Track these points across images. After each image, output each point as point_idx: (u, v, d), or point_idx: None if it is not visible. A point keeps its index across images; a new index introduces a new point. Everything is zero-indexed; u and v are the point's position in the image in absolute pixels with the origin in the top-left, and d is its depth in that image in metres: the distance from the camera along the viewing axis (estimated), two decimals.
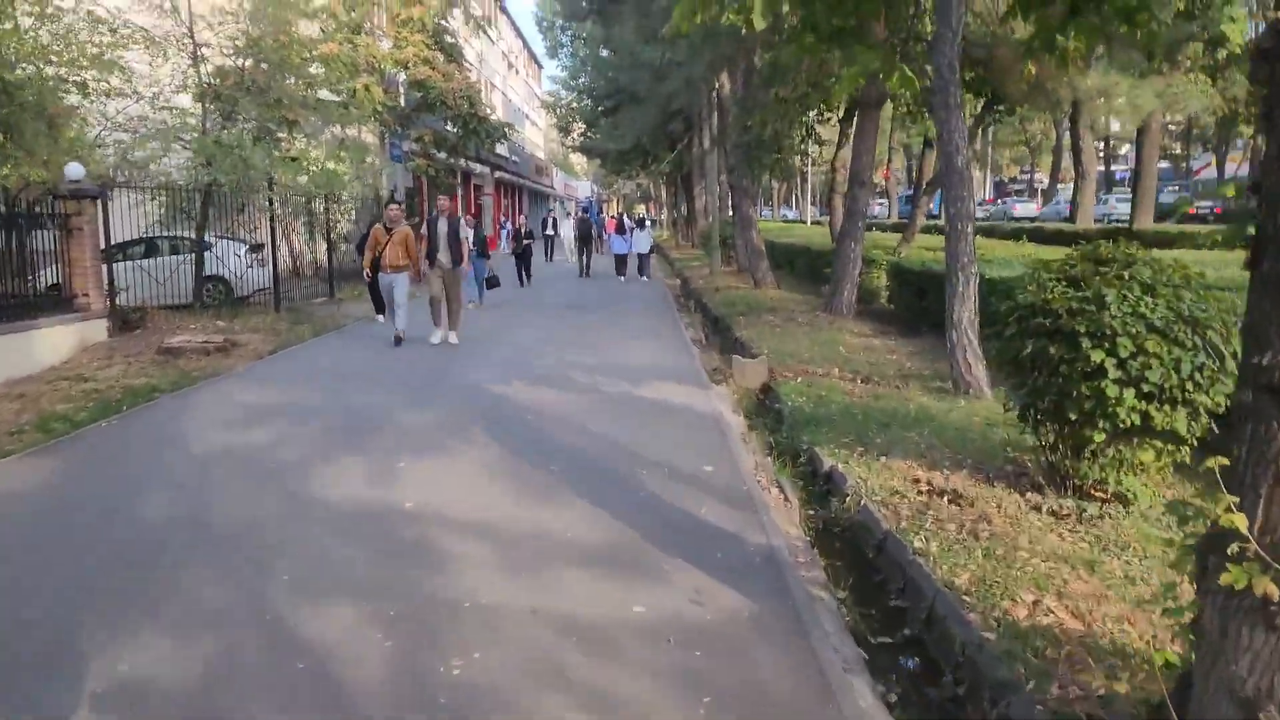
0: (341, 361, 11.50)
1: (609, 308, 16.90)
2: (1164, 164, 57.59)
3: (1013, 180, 75.31)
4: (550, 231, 31.02)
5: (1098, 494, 5.71)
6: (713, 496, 5.65)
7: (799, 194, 59.50)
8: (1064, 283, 5.64)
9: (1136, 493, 5.59)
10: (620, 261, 24.44)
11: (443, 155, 24.50)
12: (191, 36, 16.77)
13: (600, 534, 4.98)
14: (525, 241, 20.89)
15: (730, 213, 27.78)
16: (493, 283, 16.79)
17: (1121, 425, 5.31)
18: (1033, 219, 43.19)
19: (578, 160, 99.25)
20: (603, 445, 6.84)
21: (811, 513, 6.08)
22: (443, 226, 12.47)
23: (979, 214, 42.27)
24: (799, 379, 9.73)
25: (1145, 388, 5.20)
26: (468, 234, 15.33)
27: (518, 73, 67.30)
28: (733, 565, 4.57)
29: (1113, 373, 5.21)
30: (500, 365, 10.51)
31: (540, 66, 76.02)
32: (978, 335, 8.72)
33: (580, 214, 35.29)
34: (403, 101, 22.73)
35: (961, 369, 8.65)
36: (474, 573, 4.42)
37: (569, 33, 43.89)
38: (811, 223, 49.33)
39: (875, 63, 4.40)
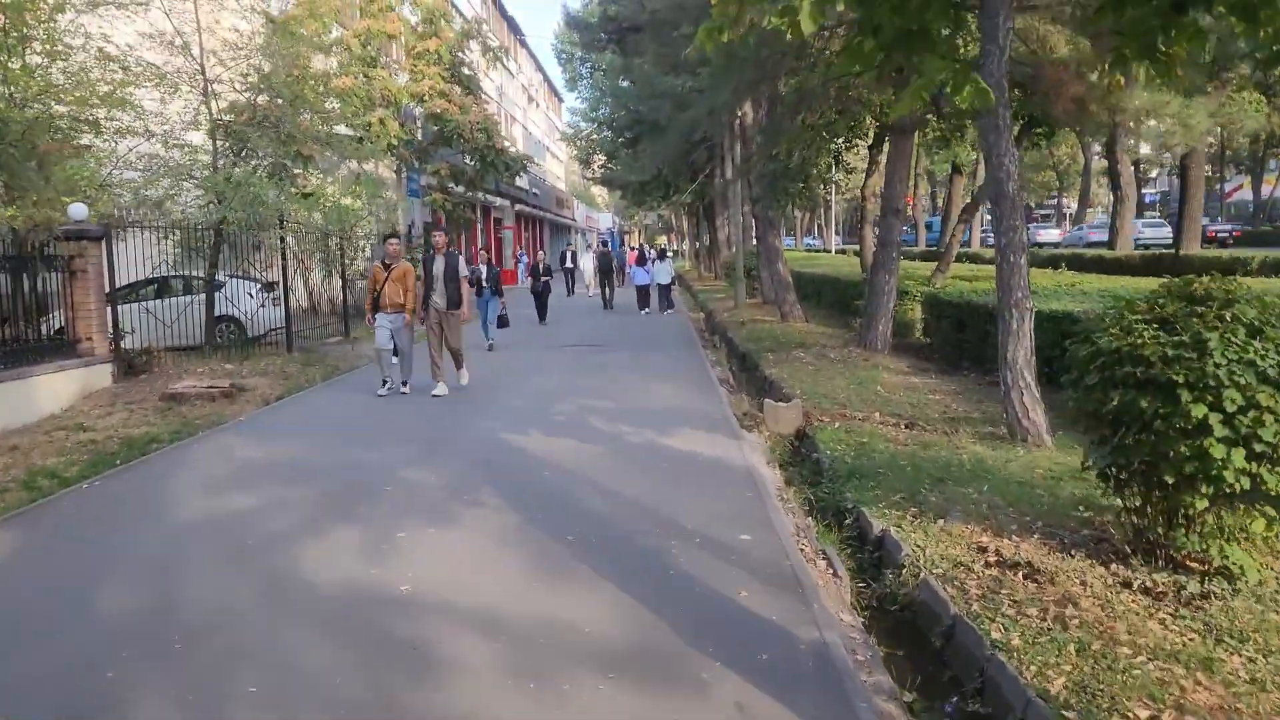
0: (348, 410, 10.91)
1: (631, 345, 16.26)
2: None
3: (1038, 206, 74.36)
4: (569, 264, 30.52)
5: (1195, 566, 4.96)
6: (753, 575, 4.94)
7: (822, 222, 58.92)
8: (1154, 325, 4.91)
9: (1244, 566, 4.83)
10: (642, 294, 24.24)
11: (460, 189, 24.08)
12: (203, 73, 16.42)
13: (625, 628, 4.27)
14: (544, 279, 20.23)
15: (754, 243, 27.17)
16: (503, 322, 15.81)
17: (1227, 489, 4.59)
18: (1056, 244, 42.38)
19: (599, 192, 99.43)
20: (626, 509, 6.15)
21: (864, 586, 5.35)
22: (439, 266, 11.61)
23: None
24: (837, 424, 9.01)
25: (1257, 447, 4.48)
26: (472, 270, 14.68)
27: (538, 105, 67.42)
28: (780, 670, 3.85)
29: (1218, 430, 4.49)
30: (514, 413, 9.86)
31: (560, 100, 76.31)
32: (1034, 376, 7.98)
33: (601, 247, 35.02)
34: (420, 135, 22.39)
35: (1017, 414, 7.90)
36: (476, 684, 3.73)
37: (588, 64, 43.73)
38: (836, 251, 48.67)
39: (943, 74, 3.74)
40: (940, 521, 5.91)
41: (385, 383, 11.52)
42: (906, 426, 8.84)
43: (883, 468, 7.23)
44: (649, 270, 24.48)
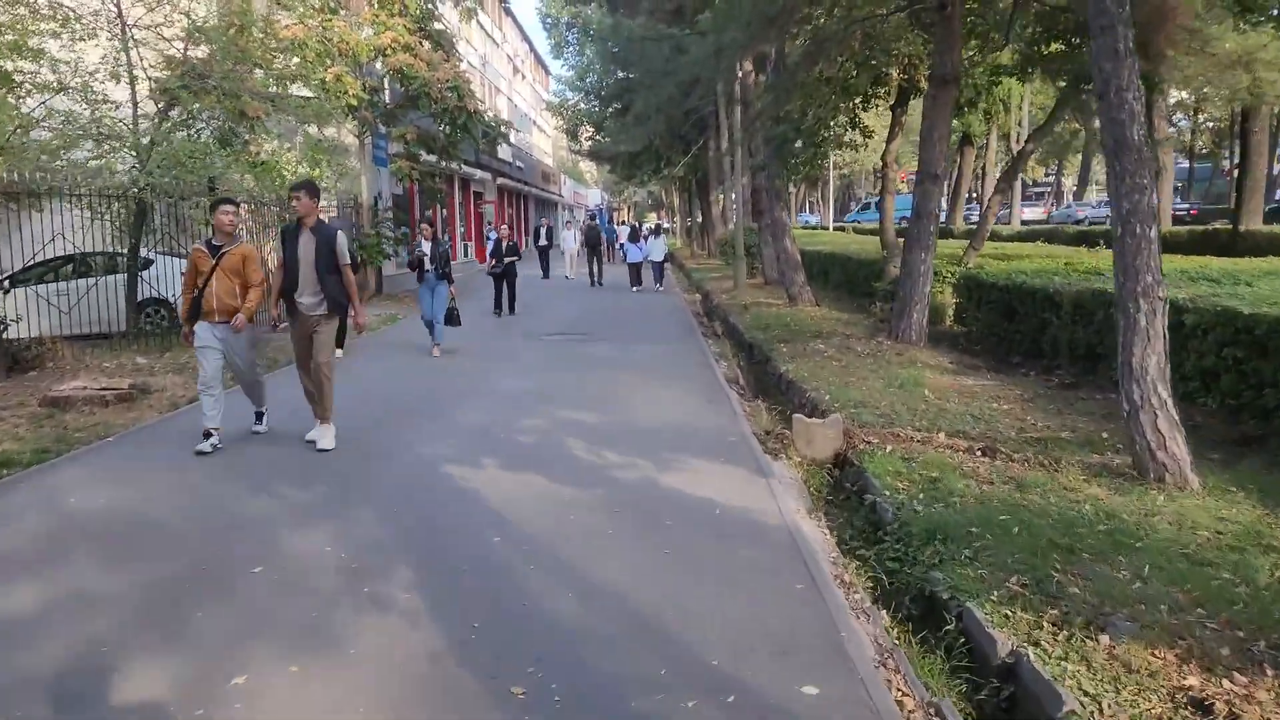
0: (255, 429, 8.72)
1: (620, 334, 14.05)
2: (1187, 163, 54.65)
3: (1035, 183, 72.26)
4: (545, 242, 27.21)
5: None
6: None
7: (819, 198, 56.52)
8: None
9: None
10: (634, 270, 23.84)
11: (432, 157, 21.73)
12: (120, 15, 14.08)
13: None
14: (508, 259, 16.68)
15: (754, 219, 24.96)
16: (452, 318, 12.17)
17: None
18: (1044, 222, 40.33)
19: (588, 169, 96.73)
20: (613, 619, 3.95)
21: None
22: (304, 245, 7.22)
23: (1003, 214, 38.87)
24: (889, 447, 6.87)
25: None
26: (414, 248, 12.27)
27: (524, 77, 64.73)
28: None
29: None
30: (466, 435, 7.57)
31: (548, 72, 73.57)
32: (1170, 393, 5.85)
33: (588, 221, 32.82)
34: (387, 97, 20.01)
35: (1150, 443, 5.76)
36: None
37: (574, 29, 41.20)
38: (834, 228, 46.41)
39: None
40: (1104, 638, 3.78)
41: (208, 436, 7.19)
42: (984, 453, 6.70)
43: (975, 524, 5.09)
44: (642, 247, 24.14)
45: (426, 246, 12.21)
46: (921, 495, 5.73)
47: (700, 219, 45.41)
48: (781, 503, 5.65)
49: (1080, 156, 53.56)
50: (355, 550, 4.81)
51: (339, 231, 7.41)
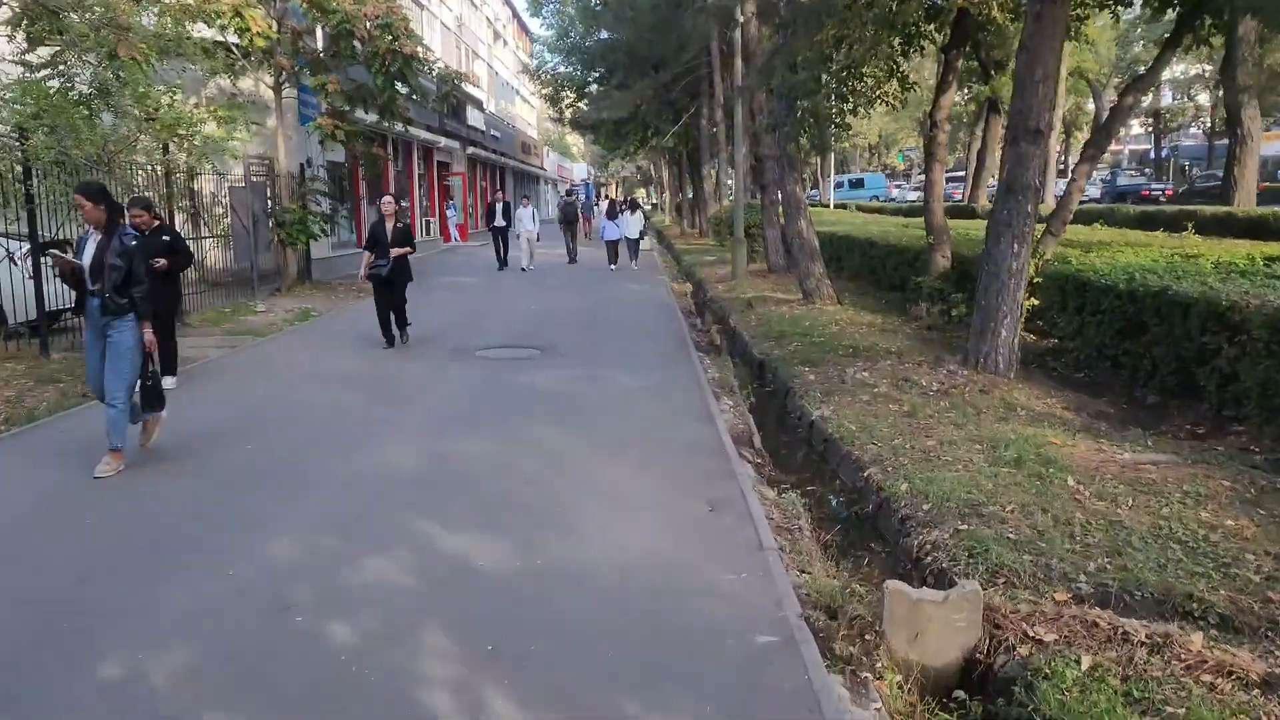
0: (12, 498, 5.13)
1: (584, 349, 10.38)
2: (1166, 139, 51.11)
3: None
4: (501, 222, 21.65)
5: None
6: None
7: (819, 171, 52.70)
8: None
9: None
10: (611, 248, 22.21)
11: (371, 117, 18.00)
12: None
13: None
14: (393, 253, 10.09)
15: (757, 194, 21.37)
16: (151, 391, 6.01)
17: None
18: (1092, 200, 36.89)
19: (575, 142, 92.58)
20: None
21: None
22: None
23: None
24: (1082, 659, 3.34)
25: None
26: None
27: (505, 44, 60.63)
28: None
29: None
30: (260, 575, 4.11)
31: (532, 39, 69.32)
32: None
33: (565, 196, 29.62)
34: (320, 42, 16.23)
35: None
36: None
37: None
38: (835, 205, 42.73)
39: None
40: None
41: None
42: None
43: None
44: (620, 223, 22.22)
45: (388, 225, 9.57)
46: None
47: (691, 195, 41.74)
48: None
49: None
50: None
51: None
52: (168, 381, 8.26)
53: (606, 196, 32.08)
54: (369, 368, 9.27)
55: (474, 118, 34.64)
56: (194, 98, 17.49)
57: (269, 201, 16.15)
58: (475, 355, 9.88)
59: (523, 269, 20.56)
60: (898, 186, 63.14)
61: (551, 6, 37.53)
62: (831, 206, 42.32)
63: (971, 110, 36.14)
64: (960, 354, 8.66)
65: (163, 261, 7.77)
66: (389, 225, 10.19)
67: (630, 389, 8.24)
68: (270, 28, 14.89)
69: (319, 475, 5.76)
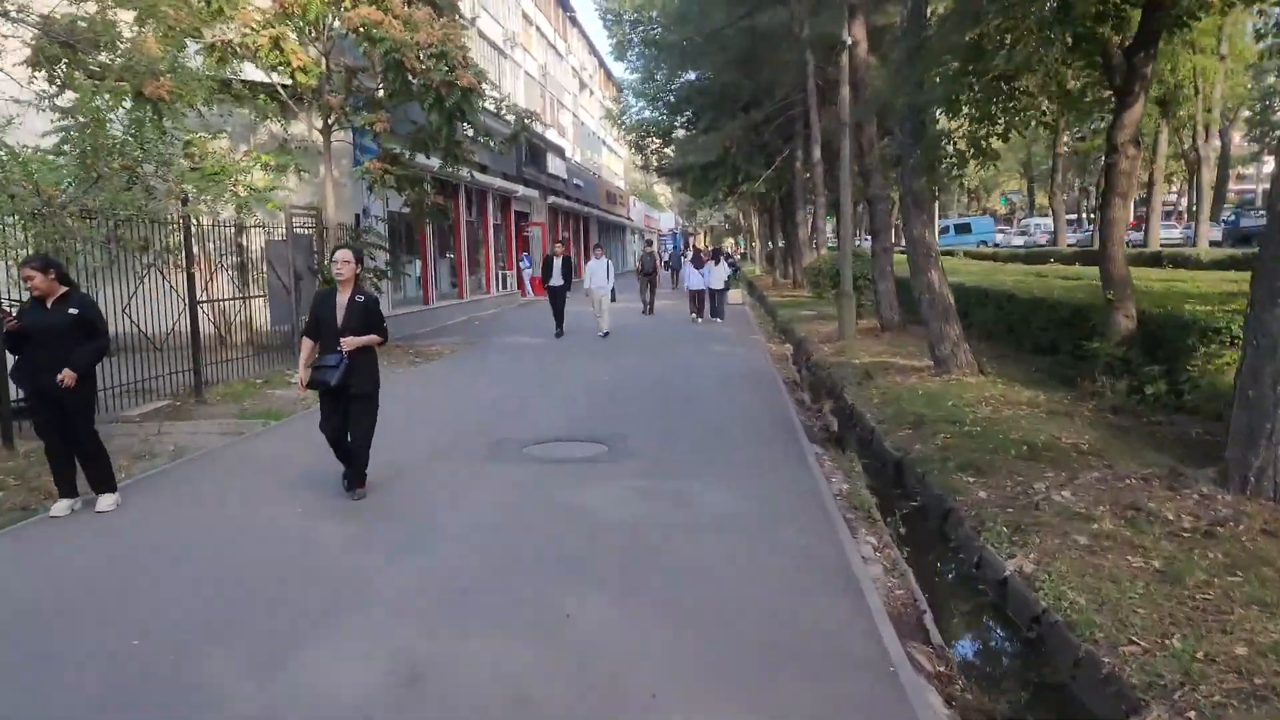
0: None
1: (662, 441, 7.91)
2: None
3: (1141, 201, 63.76)
4: (559, 281, 17.24)
5: None
6: None
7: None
8: None
9: None
10: (695, 299, 21.25)
11: (433, 162, 16.21)
12: None
13: None
14: (331, 360, 6.12)
15: (869, 239, 18.87)
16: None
17: None
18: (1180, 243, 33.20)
19: (662, 191, 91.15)
20: None
21: None
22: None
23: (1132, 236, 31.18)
24: None
25: None
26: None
27: (592, 93, 59.75)
28: None
29: None
30: None
31: (619, 89, 68.51)
32: None
33: (645, 247, 27.83)
34: (372, 76, 14.49)
35: None
36: None
37: (639, 26, 35.72)
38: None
39: None
40: None
41: None
42: None
43: None
44: (705, 273, 21.03)
45: (340, 299, 6.09)
46: None
47: (784, 243, 39.29)
48: None
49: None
50: None
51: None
52: (104, 502, 6.18)
53: (694, 246, 29.98)
54: (375, 472, 7.07)
55: (555, 166, 33.02)
56: (244, 145, 16.05)
57: (315, 256, 14.37)
58: (522, 452, 7.57)
59: (601, 334, 17.19)
60: (1001, 231, 59.73)
61: (636, 49, 35.87)
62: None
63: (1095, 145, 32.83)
64: (1209, 464, 5.98)
65: (68, 378, 5.72)
66: (342, 298, 6.16)
67: (725, 516, 5.78)
68: (315, 63, 13.19)
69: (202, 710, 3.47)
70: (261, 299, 13.58)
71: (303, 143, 15.54)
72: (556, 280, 17.21)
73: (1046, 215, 65.99)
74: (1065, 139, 32.76)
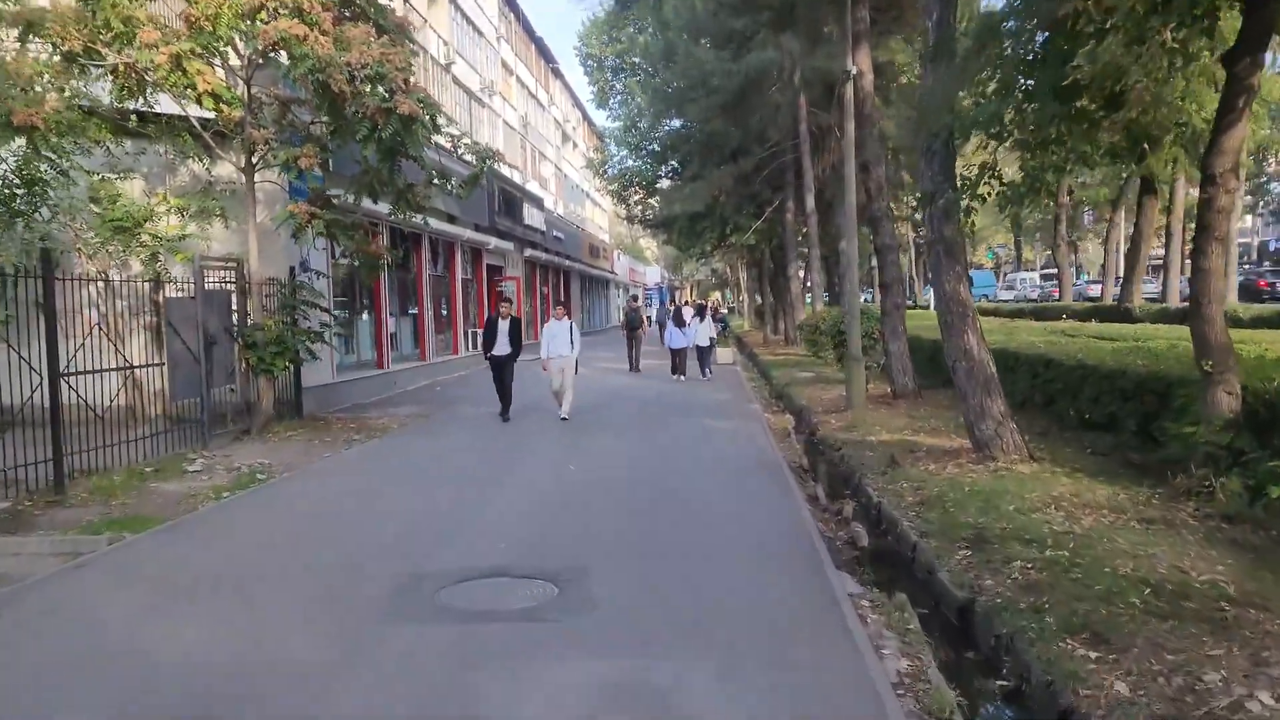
0: None
1: (636, 581, 5.64)
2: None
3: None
4: (504, 349, 13.61)
5: None
6: None
7: (922, 259, 47.90)
8: None
9: None
10: (678, 358, 20.48)
11: (382, 207, 14.20)
12: None
13: None
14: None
15: (876, 292, 16.92)
16: None
17: None
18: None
19: (648, 245, 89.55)
20: None
21: None
22: None
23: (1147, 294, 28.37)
24: None
25: None
26: None
27: (575, 146, 58.34)
28: None
29: None
30: None
31: (602, 138, 67.32)
32: None
33: (630, 302, 26.19)
34: (316, 114, 12.46)
35: None
36: None
37: (621, 72, 34.24)
38: (934, 308, 37.77)
39: None
40: None
41: None
42: None
43: None
44: (687, 332, 20.37)
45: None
46: None
47: (773, 298, 37.46)
48: None
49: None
50: None
51: None
52: None
53: (686, 302, 28.09)
54: (222, 636, 4.83)
55: (532, 217, 31.12)
56: (161, 188, 14.00)
57: (229, 313, 12.23)
58: (435, 601, 5.33)
59: (562, 418, 13.34)
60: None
61: (618, 96, 34.35)
62: (933, 308, 37.39)
63: (1101, 193, 31.25)
64: None
65: None
66: None
67: None
68: (230, 88, 11.19)
69: None
70: (157, 368, 11.40)
71: (230, 185, 13.52)
72: (502, 347, 13.58)
73: (1033, 270, 64.72)
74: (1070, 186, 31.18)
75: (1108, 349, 11.67)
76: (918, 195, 11.37)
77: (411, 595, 5.41)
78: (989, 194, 8.41)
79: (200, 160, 13.21)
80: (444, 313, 23.43)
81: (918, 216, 35.90)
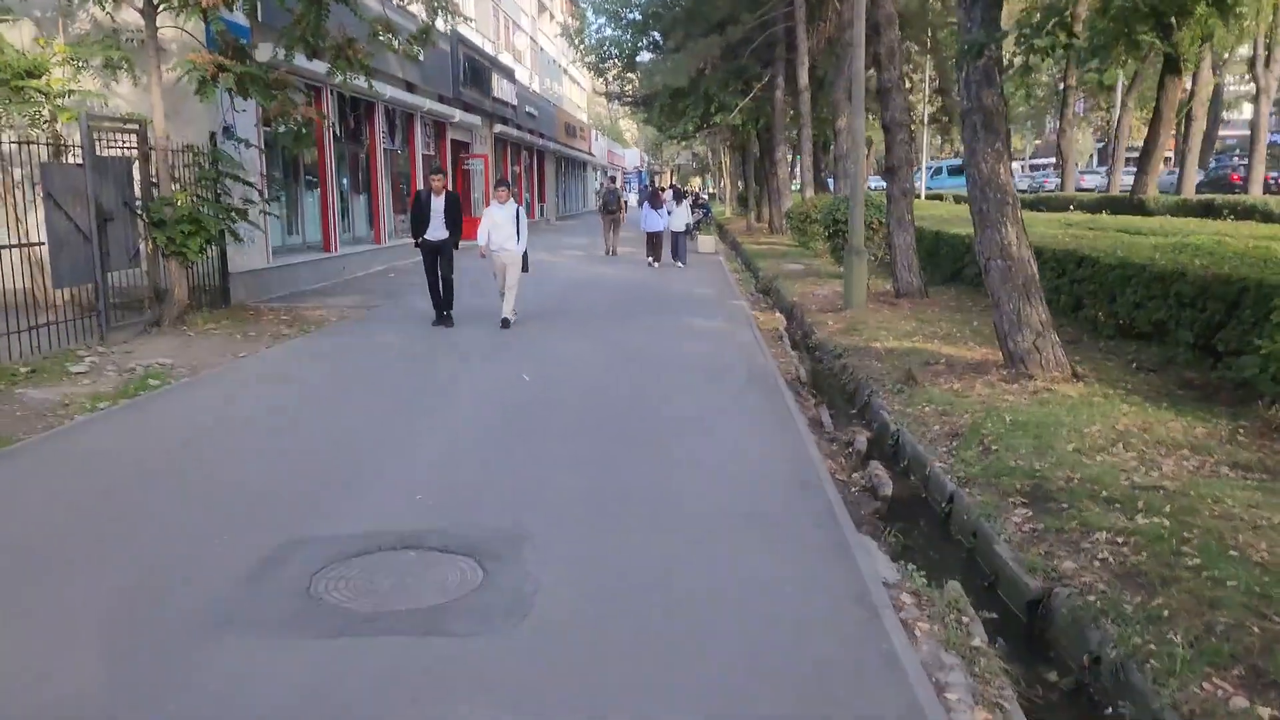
0: None
1: (589, 552, 4.28)
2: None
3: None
4: (439, 234, 10.90)
5: None
6: None
7: (913, 145, 45.58)
8: None
9: None
10: (653, 241, 19.51)
11: (319, 66, 12.15)
12: None
13: None
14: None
15: (884, 178, 15.19)
16: None
17: None
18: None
19: (628, 127, 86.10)
20: None
21: None
22: None
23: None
24: None
25: None
26: None
27: (552, 17, 54.61)
28: None
29: None
30: None
31: (578, 3, 63.14)
32: None
33: (608, 182, 24.87)
34: None
35: None
36: None
37: None
38: (927, 196, 35.70)
39: None
40: None
41: None
42: None
43: None
44: (663, 214, 19.59)
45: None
46: None
47: (758, 183, 35.37)
48: None
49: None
50: None
51: None
52: None
53: (661, 188, 26.13)
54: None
55: (503, 90, 28.67)
56: (57, 36, 11.84)
57: (122, 183, 10.31)
58: (303, 592, 3.79)
59: (503, 321, 10.87)
60: None
61: None
62: (924, 197, 35.22)
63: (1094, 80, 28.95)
64: None
65: None
66: None
67: None
68: None
69: None
70: (37, 248, 9.56)
71: (138, 33, 11.38)
72: (436, 231, 10.88)
73: (1019, 159, 62.12)
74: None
75: (1147, 245, 10.10)
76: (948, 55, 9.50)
77: (273, 581, 3.86)
78: (1052, 48, 6.63)
79: (100, 3, 11.06)
80: (404, 191, 21.38)
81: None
